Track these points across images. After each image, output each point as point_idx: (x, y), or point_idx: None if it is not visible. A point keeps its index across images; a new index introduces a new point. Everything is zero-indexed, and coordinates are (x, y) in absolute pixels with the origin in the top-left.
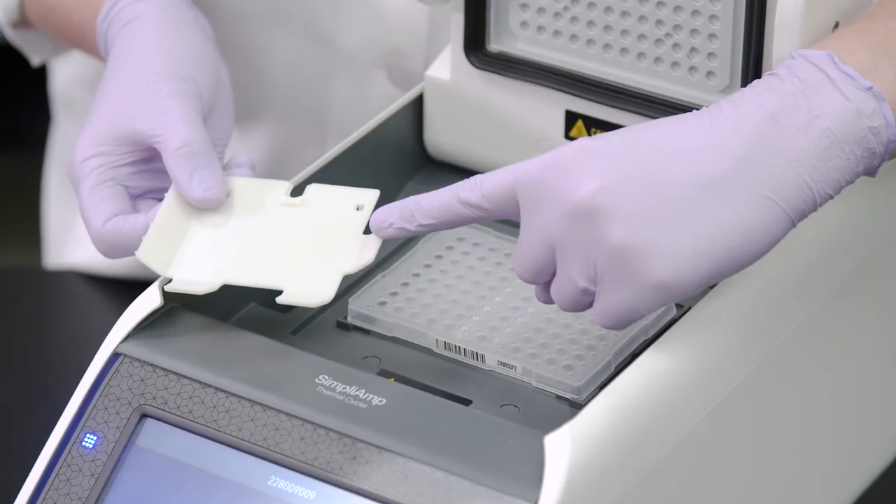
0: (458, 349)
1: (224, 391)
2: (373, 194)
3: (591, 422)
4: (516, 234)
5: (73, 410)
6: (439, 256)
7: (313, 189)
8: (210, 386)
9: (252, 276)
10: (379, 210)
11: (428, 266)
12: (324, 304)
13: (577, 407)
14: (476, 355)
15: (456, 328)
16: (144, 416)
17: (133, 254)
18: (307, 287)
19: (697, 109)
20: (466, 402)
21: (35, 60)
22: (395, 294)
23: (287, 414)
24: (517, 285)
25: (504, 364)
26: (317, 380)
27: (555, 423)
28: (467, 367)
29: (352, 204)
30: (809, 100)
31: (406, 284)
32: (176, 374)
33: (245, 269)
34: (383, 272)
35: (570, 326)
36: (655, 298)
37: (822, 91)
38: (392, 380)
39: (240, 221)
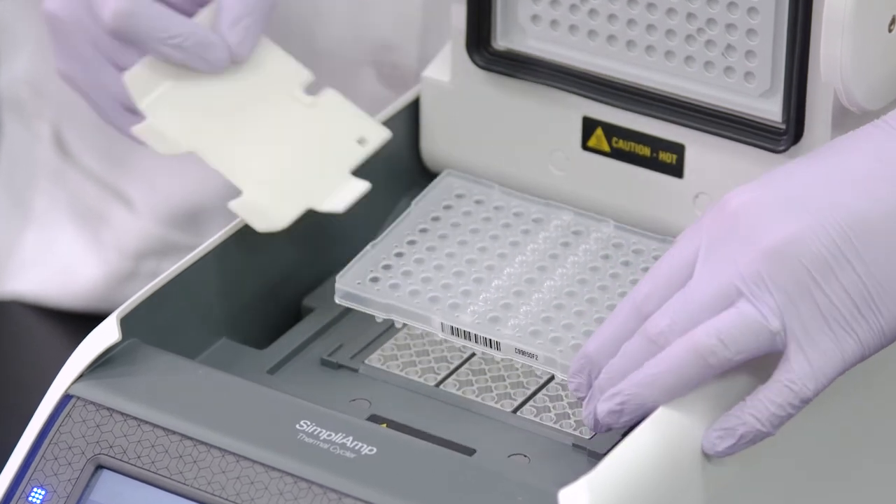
0: (468, 335)
1: (191, 438)
2: (384, 134)
3: (610, 474)
4: (522, 188)
5: (17, 461)
6: (436, 218)
7: (330, 95)
8: (175, 432)
9: (219, 158)
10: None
11: (424, 230)
12: (271, 231)
13: (594, 457)
14: (489, 342)
15: (463, 308)
16: (100, 466)
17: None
18: (266, 204)
19: (733, 115)
20: (469, 452)
21: None
22: (388, 267)
23: (263, 465)
24: (529, 252)
25: (522, 352)
26: (298, 426)
27: (570, 475)
28: (470, 412)
29: (357, 132)
30: None
31: (400, 255)
32: (136, 418)
33: (217, 147)
34: (373, 240)
35: (596, 301)
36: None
37: None
38: (384, 425)
39: (241, 90)
